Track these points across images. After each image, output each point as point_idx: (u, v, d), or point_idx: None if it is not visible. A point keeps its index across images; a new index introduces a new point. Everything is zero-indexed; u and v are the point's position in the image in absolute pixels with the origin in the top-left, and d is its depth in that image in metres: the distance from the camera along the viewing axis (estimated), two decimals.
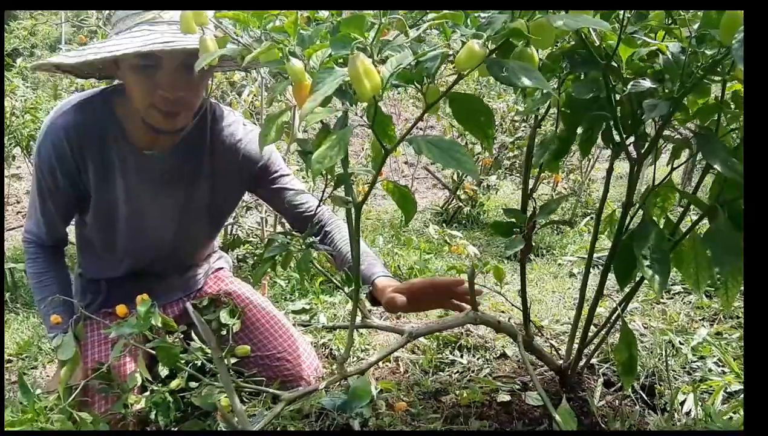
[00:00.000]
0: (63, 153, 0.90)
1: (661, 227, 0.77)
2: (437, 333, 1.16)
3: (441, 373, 1.08)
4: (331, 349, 1.21)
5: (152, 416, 0.86)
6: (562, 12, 0.51)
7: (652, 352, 1.08)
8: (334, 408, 0.93)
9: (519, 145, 2.03)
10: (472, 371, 1.07)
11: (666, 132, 0.77)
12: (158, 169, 0.95)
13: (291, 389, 1.01)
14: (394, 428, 0.89)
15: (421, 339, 1.17)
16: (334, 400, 0.94)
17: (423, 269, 1.61)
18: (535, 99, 0.79)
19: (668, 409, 0.92)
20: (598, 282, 0.86)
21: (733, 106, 0.75)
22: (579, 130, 0.82)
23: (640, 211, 0.78)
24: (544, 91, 0.77)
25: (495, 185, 2.24)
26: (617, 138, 0.81)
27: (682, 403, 0.94)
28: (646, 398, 0.96)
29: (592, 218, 2.05)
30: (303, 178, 1.77)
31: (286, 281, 1.59)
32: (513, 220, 0.78)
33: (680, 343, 1.12)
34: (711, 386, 0.97)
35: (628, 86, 0.73)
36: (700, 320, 1.28)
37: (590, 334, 0.91)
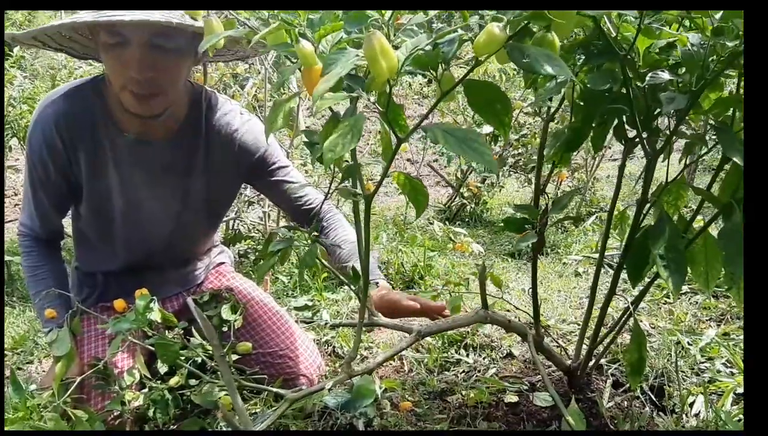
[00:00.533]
0: (53, 143, 0.87)
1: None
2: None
3: (446, 372, 1.06)
4: (334, 346, 1.19)
5: (150, 414, 0.84)
6: None
7: (659, 352, 1.07)
8: (337, 407, 0.90)
9: (524, 143, 2.01)
10: (479, 371, 1.05)
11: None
12: (152, 160, 0.92)
13: (293, 387, 0.99)
14: (400, 428, 0.87)
15: (426, 338, 1.15)
16: (337, 399, 0.91)
17: (426, 268, 1.58)
18: (548, 89, 0.77)
19: (676, 410, 0.90)
20: (604, 281, 0.84)
21: None
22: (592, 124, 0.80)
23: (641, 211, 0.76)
24: (558, 80, 0.75)
25: (499, 183, 2.21)
26: (630, 133, 0.79)
27: (692, 404, 0.92)
28: (654, 399, 0.94)
29: (597, 216, 2.03)
30: (306, 172, 1.74)
31: (288, 277, 1.56)
32: (525, 216, 0.76)
33: (688, 343, 1.11)
34: (720, 388, 0.96)
35: (647, 78, 0.71)
36: (707, 320, 1.27)
37: (600, 334, 0.89)
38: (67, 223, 1.01)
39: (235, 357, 0.94)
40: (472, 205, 2.27)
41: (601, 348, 0.94)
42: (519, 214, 0.77)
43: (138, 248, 1.00)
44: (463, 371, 1.06)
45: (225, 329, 0.96)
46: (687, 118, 0.76)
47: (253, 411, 0.92)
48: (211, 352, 0.83)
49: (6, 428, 0.71)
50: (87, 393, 0.87)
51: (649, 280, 0.86)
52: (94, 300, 1.03)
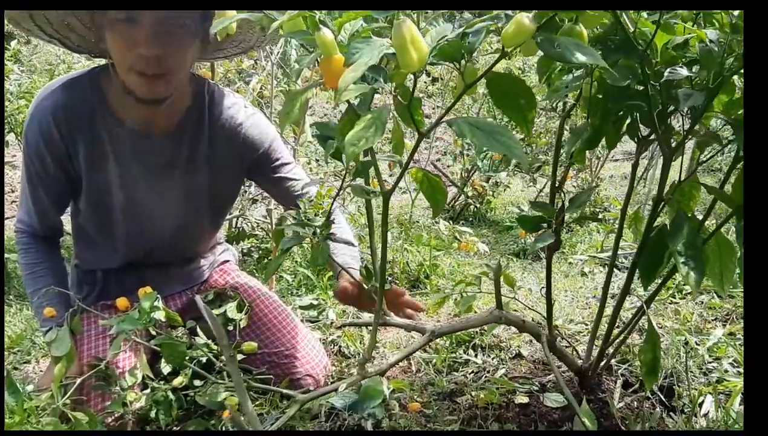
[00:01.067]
0: (51, 136, 0.85)
1: None
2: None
3: (455, 373, 1.05)
4: (340, 346, 1.17)
5: (153, 415, 0.81)
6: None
7: (667, 352, 1.06)
8: (345, 408, 0.89)
9: (529, 142, 2.00)
10: (488, 372, 1.04)
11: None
12: (152, 153, 0.90)
13: (299, 387, 0.98)
14: (409, 429, 0.85)
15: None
16: (344, 400, 0.89)
17: (432, 267, 1.57)
18: (564, 83, 0.75)
19: (686, 411, 0.89)
20: (606, 281, 0.83)
21: None
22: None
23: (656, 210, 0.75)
24: (575, 73, 0.73)
25: (505, 182, 2.20)
26: (644, 130, 0.77)
27: (701, 404, 0.91)
28: (664, 399, 0.94)
29: (603, 216, 2.02)
30: (311, 169, 1.72)
31: (293, 276, 1.54)
32: (540, 214, 0.74)
33: (696, 343, 1.10)
34: (728, 387, 0.95)
35: (666, 73, 0.69)
36: (712, 320, 1.26)
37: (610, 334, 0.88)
38: (66, 220, 0.98)
39: (240, 357, 0.92)
40: (477, 205, 2.25)
41: (611, 349, 0.93)
42: (533, 213, 0.76)
43: (138, 244, 0.98)
44: (472, 372, 1.04)
45: (230, 328, 0.94)
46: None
47: (259, 412, 0.90)
48: (216, 352, 0.81)
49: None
50: (87, 394, 0.85)
51: (660, 280, 0.85)
52: (94, 298, 1.01)
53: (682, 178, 0.78)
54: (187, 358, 0.79)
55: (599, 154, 2.23)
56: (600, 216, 1.96)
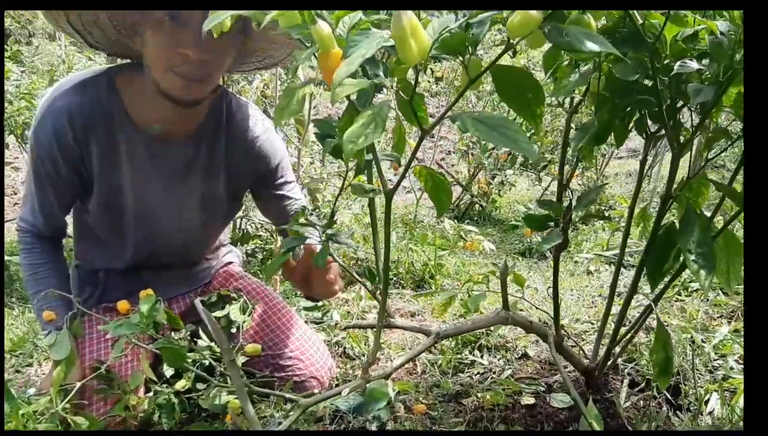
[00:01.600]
0: (66, 138, 0.83)
1: None
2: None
3: (461, 374, 1.03)
4: (345, 348, 1.16)
5: (155, 418, 0.80)
6: None
7: (674, 350, 1.04)
8: (349, 411, 0.87)
9: (534, 141, 1.97)
10: (494, 372, 1.02)
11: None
12: (169, 157, 0.89)
13: (303, 389, 0.96)
14: (414, 431, 0.84)
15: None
16: (349, 402, 0.88)
17: (437, 266, 1.55)
18: (571, 81, 0.74)
19: (691, 409, 0.87)
20: (613, 280, 0.81)
21: None
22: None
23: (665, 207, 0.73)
24: (582, 69, 0.72)
25: (510, 181, 2.18)
26: (653, 126, 0.75)
27: (706, 402, 0.90)
28: (671, 398, 0.92)
29: (608, 214, 2.00)
30: (314, 169, 1.70)
31: None
32: (548, 212, 0.72)
33: (702, 341, 1.08)
34: (733, 384, 0.93)
35: (676, 66, 0.68)
36: (718, 317, 1.24)
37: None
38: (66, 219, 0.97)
39: (243, 359, 0.91)
40: (482, 204, 2.24)
41: (618, 348, 0.91)
42: (541, 211, 0.74)
43: (146, 247, 0.97)
44: (478, 373, 1.03)
45: (233, 330, 0.93)
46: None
47: (263, 415, 0.89)
48: (218, 354, 0.80)
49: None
50: (88, 398, 0.84)
51: (668, 279, 0.83)
52: (96, 300, 1.00)
53: (690, 175, 0.77)
54: (189, 361, 0.78)
55: (604, 151, 2.20)
56: (605, 214, 1.93)
